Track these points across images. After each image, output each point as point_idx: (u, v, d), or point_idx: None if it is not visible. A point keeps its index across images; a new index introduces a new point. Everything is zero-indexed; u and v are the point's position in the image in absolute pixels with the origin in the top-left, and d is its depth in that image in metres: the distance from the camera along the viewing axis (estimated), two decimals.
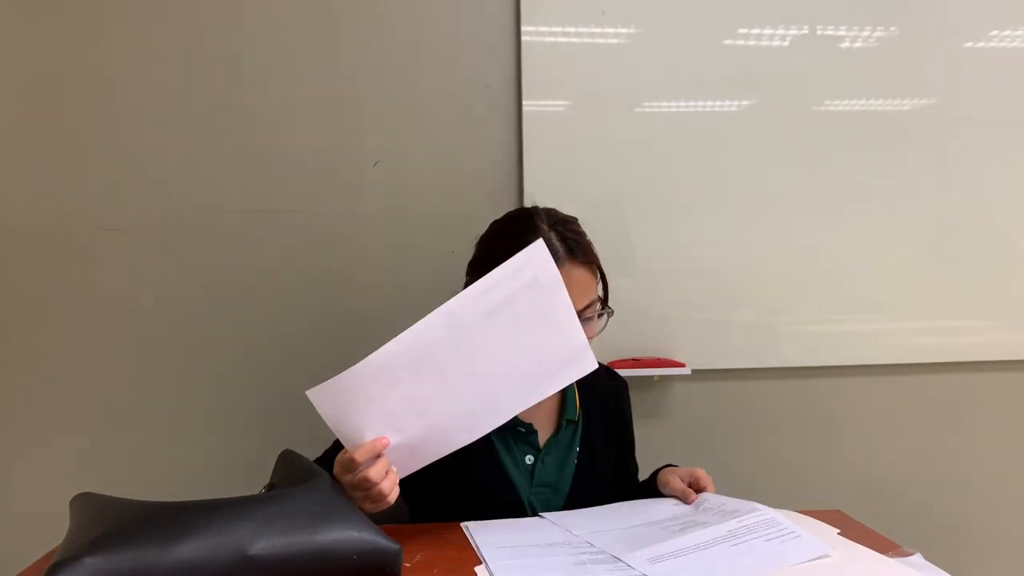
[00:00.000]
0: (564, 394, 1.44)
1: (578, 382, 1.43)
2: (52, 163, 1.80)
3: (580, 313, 1.26)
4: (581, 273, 1.29)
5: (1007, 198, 1.97)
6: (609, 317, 1.34)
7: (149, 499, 1.08)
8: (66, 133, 1.80)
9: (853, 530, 1.30)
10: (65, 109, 1.80)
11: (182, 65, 1.81)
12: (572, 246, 1.29)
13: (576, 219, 1.36)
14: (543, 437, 1.41)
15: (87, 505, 1.07)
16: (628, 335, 1.86)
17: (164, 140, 1.81)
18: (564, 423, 1.41)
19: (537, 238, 1.20)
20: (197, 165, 1.82)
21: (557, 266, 1.22)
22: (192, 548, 0.96)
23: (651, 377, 1.86)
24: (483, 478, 1.35)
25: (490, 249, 1.34)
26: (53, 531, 1.11)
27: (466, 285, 1.32)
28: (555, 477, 1.40)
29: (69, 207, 1.80)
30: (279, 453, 1.31)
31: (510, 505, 1.36)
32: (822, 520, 1.34)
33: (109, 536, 0.96)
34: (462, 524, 1.26)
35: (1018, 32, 1.94)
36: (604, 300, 1.36)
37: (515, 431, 1.39)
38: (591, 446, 1.43)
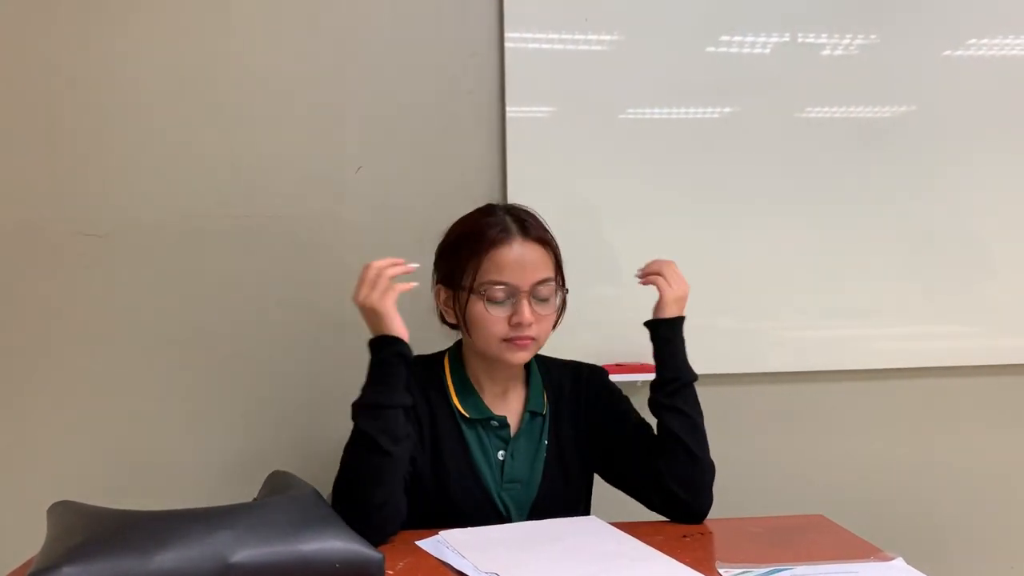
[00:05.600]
0: (529, 386, 1.44)
1: (543, 379, 1.44)
2: (32, 168, 1.78)
3: (533, 288, 1.32)
4: (532, 248, 1.33)
5: (986, 204, 1.99)
6: (565, 295, 1.38)
7: (129, 507, 1.07)
8: (46, 137, 1.78)
9: (835, 535, 1.31)
10: (44, 113, 1.78)
11: (164, 70, 1.80)
12: (524, 225, 1.34)
13: (540, 217, 1.41)
14: (512, 431, 1.41)
15: (65, 514, 1.06)
16: (611, 340, 1.86)
17: (145, 145, 1.80)
18: (529, 415, 1.42)
19: (496, 219, 1.34)
20: (178, 170, 1.81)
21: (508, 241, 1.31)
22: (172, 557, 0.95)
23: (635, 382, 1.86)
24: (453, 475, 1.35)
25: (452, 230, 1.42)
26: (30, 540, 1.10)
27: (435, 269, 1.42)
28: (525, 472, 1.40)
29: (48, 212, 1.78)
30: (268, 474, 1.30)
31: (481, 502, 1.36)
32: (806, 525, 1.35)
33: (88, 545, 0.95)
34: (438, 535, 1.25)
35: (995, 40, 1.96)
36: (560, 280, 1.38)
37: (488, 424, 1.39)
38: (560, 442, 1.42)
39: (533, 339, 1.33)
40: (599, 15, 1.86)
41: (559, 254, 1.39)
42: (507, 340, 1.32)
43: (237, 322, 1.83)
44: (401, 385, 1.28)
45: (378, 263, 1.30)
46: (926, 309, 1.99)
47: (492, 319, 1.31)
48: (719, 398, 1.95)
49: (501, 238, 1.32)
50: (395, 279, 1.30)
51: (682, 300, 1.41)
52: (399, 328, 1.29)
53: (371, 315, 1.29)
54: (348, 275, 1.84)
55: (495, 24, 1.85)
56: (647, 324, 1.42)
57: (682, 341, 1.41)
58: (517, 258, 1.31)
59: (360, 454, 1.25)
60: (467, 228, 1.37)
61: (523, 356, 1.35)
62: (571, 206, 1.87)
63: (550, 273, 1.34)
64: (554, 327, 1.40)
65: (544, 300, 1.33)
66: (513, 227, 1.33)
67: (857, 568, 1.14)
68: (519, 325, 1.30)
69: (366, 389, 1.28)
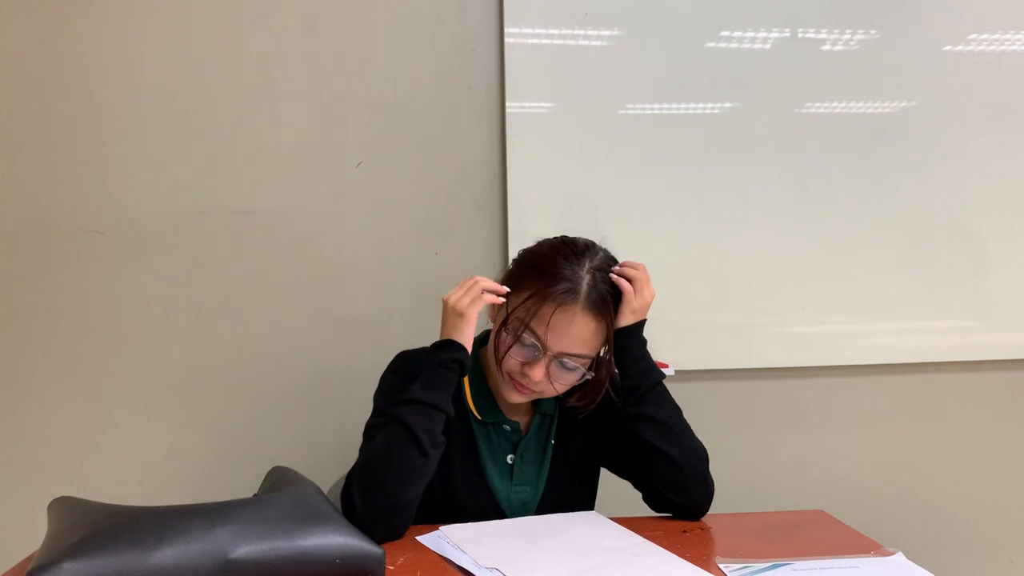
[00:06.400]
0: None
1: None
2: (32, 164, 1.78)
3: (561, 355, 1.27)
4: (587, 322, 1.27)
5: (985, 200, 1.99)
6: (584, 379, 1.32)
7: (129, 503, 1.07)
8: (46, 134, 1.78)
9: (835, 530, 1.31)
10: (44, 109, 1.78)
11: (164, 65, 1.80)
12: (594, 296, 1.27)
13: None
14: (523, 434, 1.41)
15: (65, 509, 1.06)
16: None
17: (146, 140, 1.80)
18: (539, 417, 1.41)
19: (575, 274, 1.27)
20: (179, 166, 1.81)
21: (568, 306, 1.25)
22: (173, 553, 0.95)
23: None
24: (460, 474, 1.35)
25: (540, 252, 1.34)
26: (30, 536, 1.10)
27: (512, 263, 1.36)
28: (533, 475, 1.40)
29: (49, 209, 1.78)
30: (268, 469, 1.29)
31: (486, 503, 1.36)
32: (805, 520, 1.35)
33: (88, 541, 0.95)
34: (438, 530, 1.26)
35: (996, 36, 1.96)
36: (594, 367, 1.33)
37: (500, 428, 1.39)
38: (566, 442, 1.42)
39: (534, 392, 1.31)
40: (599, 11, 1.85)
41: (611, 340, 1.32)
42: (512, 378, 1.31)
43: (237, 318, 1.83)
44: (450, 393, 1.27)
45: (481, 278, 1.30)
46: (925, 304, 1.99)
47: (510, 357, 1.29)
48: (718, 394, 1.97)
49: (564, 299, 1.25)
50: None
51: (643, 309, 1.35)
52: (469, 337, 1.28)
53: (454, 317, 1.28)
54: (348, 270, 1.86)
55: (495, 19, 1.85)
56: None
57: (641, 344, 1.36)
58: (565, 324, 1.26)
59: (398, 448, 1.22)
60: (547, 264, 1.29)
61: (518, 399, 1.33)
62: (570, 202, 1.87)
63: (588, 351, 1.29)
64: (575, 396, 1.36)
65: (568, 369, 1.29)
66: (583, 292, 1.26)
67: (857, 563, 1.14)
68: (526, 376, 1.28)
69: (417, 386, 1.26)
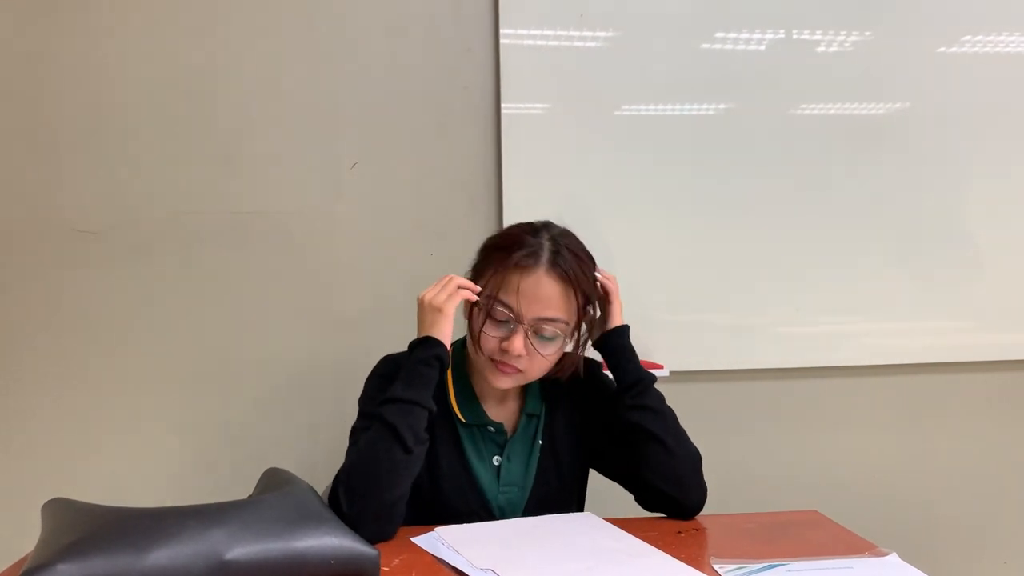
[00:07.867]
0: (526, 388, 1.43)
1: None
2: (25, 164, 1.78)
3: (536, 323, 1.27)
4: (553, 283, 1.28)
5: (978, 201, 1.99)
6: (567, 344, 1.33)
7: (123, 505, 1.06)
8: (40, 134, 1.78)
9: (829, 530, 1.31)
10: (38, 109, 1.77)
11: (160, 65, 1.79)
12: (556, 258, 1.29)
13: (588, 258, 1.36)
14: (508, 435, 1.41)
15: (59, 511, 1.05)
16: None
17: (139, 141, 1.80)
18: (525, 418, 1.41)
19: (534, 241, 1.29)
20: (173, 167, 1.81)
21: (531, 268, 1.27)
22: (167, 554, 0.95)
23: None
24: (449, 478, 1.35)
25: (498, 234, 1.39)
26: (25, 538, 1.10)
27: (475, 259, 1.38)
28: (520, 475, 1.40)
29: (42, 209, 1.78)
30: (263, 471, 1.29)
31: (475, 506, 1.36)
32: (800, 520, 1.36)
33: (82, 542, 0.95)
34: (433, 531, 1.25)
35: (989, 37, 1.96)
36: (576, 330, 1.35)
37: (485, 430, 1.39)
38: (553, 439, 1.42)
39: (519, 370, 1.31)
40: (594, 11, 1.86)
41: (590, 298, 1.34)
42: (494, 360, 1.31)
43: (232, 319, 1.83)
44: (432, 389, 1.27)
45: (455, 276, 1.32)
46: (919, 305, 2.00)
47: (486, 336, 1.30)
48: (713, 394, 1.97)
49: (525, 263, 1.27)
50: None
51: (621, 311, 1.41)
52: (447, 333, 1.29)
53: (432, 313, 1.29)
54: (343, 271, 1.86)
55: (490, 20, 1.85)
56: (600, 338, 1.40)
57: (633, 348, 1.40)
58: (531, 287, 1.27)
59: (382, 447, 1.23)
60: (506, 240, 1.33)
61: (505, 382, 1.33)
62: (566, 202, 1.87)
63: (562, 315, 1.29)
64: (568, 374, 1.37)
65: (547, 339, 1.30)
66: (544, 255, 1.28)
67: (851, 563, 1.14)
68: (506, 352, 1.28)
69: (398, 385, 1.27)
